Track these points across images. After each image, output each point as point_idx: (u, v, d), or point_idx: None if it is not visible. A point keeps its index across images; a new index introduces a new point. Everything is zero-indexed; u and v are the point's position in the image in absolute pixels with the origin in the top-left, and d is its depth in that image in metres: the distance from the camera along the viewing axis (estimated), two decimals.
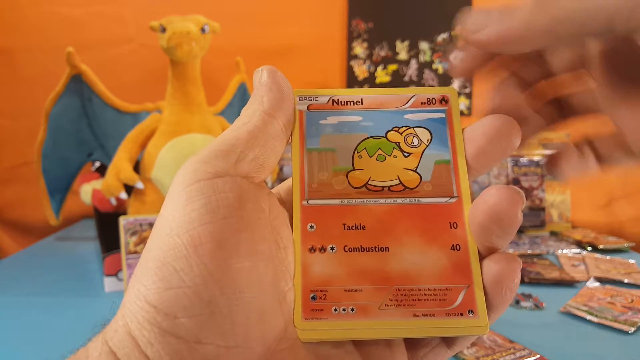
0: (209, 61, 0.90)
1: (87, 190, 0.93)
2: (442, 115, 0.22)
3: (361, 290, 0.20)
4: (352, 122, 0.22)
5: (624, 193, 1.07)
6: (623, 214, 1.07)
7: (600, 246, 0.92)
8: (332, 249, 0.20)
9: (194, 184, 0.19)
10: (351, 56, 1.28)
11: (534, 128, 0.24)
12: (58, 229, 1.07)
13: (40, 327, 0.60)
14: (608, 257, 0.86)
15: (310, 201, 0.21)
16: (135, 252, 0.70)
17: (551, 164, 0.24)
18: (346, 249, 0.20)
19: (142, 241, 0.71)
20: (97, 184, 0.92)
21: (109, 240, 0.76)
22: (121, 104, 0.88)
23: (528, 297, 0.68)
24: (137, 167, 0.82)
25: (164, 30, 0.79)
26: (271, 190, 0.22)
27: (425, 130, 0.22)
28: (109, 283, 0.72)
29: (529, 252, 0.90)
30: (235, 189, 0.19)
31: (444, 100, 0.23)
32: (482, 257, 0.20)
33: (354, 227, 0.21)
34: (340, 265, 0.20)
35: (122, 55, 1.18)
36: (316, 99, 0.23)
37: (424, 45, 1.28)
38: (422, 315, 0.19)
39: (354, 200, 0.21)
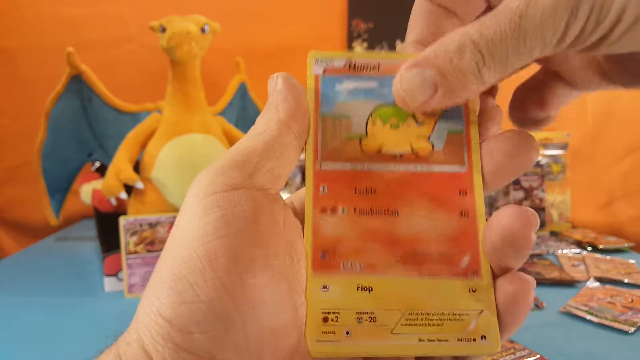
0: (209, 61, 0.90)
1: (87, 190, 0.93)
2: None
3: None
4: (368, 88, 0.22)
5: (624, 193, 1.07)
6: (623, 214, 1.07)
7: (600, 246, 0.92)
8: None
9: (210, 196, 0.19)
10: None
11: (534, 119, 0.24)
12: (58, 229, 1.07)
13: (40, 327, 0.60)
14: (608, 257, 0.86)
15: (323, 165, 0.21)
16: (135, 252, 0.70)
17: (516, 108, 0.23)
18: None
19: (142, 241, 0.71)
20: (97, 184, 0.92)
21: (109, 240, 0.76)
22: (121, 104, 0.88)
23: None
24: (137, 167, 0.82)
25: (164, 30, 0.79)
26: (285, 202, 0.22)
27: None
28: (109, 283, 0.72)
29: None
30: (250, 201, 0.19)
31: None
32: (495, 277, 0.20)
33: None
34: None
35: (122, 55, 1.18)
36: (332, 62, 0.22)
37: None
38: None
39: (367, 166, 0.21)
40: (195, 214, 0.18)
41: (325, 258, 0.20)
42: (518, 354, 0.51)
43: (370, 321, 0.20)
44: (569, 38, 0.17)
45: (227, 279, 0.17)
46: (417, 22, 0.23)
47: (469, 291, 0.20)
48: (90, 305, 0.67)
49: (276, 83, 0.21)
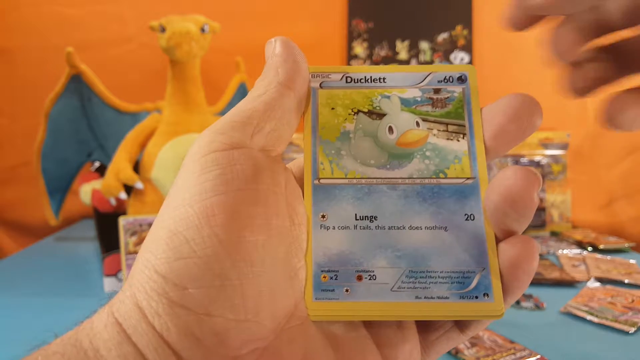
0: (209, 61, 0.90)
1: (86, 191, 0.93)
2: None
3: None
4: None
5: (625, 193, 1.07)
6: (624, 214, 1.07)
7: (601, 246, 0.92)
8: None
9: (210, 154, 0.18)
10: (351, 56, 1.28)
11: (593, 78, 0.22)
12: (58, 229, 1.07)
13: (40, 327, 0.60)
14: (608, 257, 0.86)
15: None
16: (135, 252, 0.70)
17: (615, 110, 0.21)
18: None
19: (142, 241, 0.71)
20: (96, 184, 0.92)
21: (108, 240, 0.76)
22: (121, 104, 0.88)
23: (528, 297, 0.68)
24: (136, 167, 0.82)
25: (163, 30, 0.79)
26: (287, 166, 0.21)
27: None
28: (109, 283, 0.72)
29: None
30: (251, 161, 0.18)
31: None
32: (498, 241, 0.20)
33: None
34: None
35: (122, 55, 1.18)
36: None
37: (424, 45, 1.28)
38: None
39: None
40: (193, 172, 0.18)
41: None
42: (518, 354, 0.51)
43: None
44: None
45: (224, 236, 0.17)
46: None
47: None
48: (90, 306, 0.67)
49: (274, 46, 0.21)
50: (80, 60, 0.83)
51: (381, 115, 0.21)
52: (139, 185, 0.78)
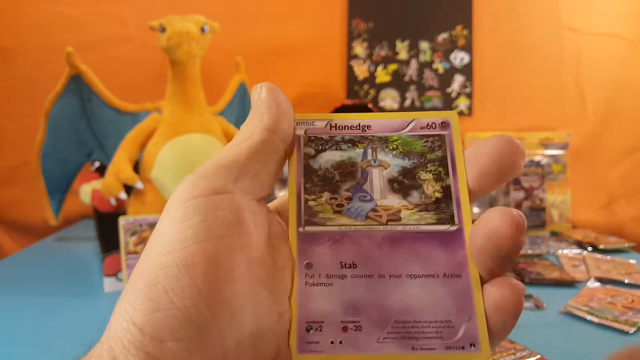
0: (209, 61, 0.90)
1: (86, 191, 0.93)
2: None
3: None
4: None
5: (625, 193, 1.07)
6: (623, 214, 1.07)
7: (601, 246, 0.92)
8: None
9: (191, 200, 0.18)
10: (351, 56, 1.28)
11: None
12: (58, 229, 1.07)
13: (40, 327, 0.60)
14: (608, 257, 0.86)
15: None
16: (135, 252, 0.70)
17: None
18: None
19: (142, 241, 0.71)
20: (96, 184, 0.92)
21: (108, 240, 0.76)
22: (121, 104, 0.88)
23: (528, 297, 0.68)
24: (136, 167, 0.82)
25: (163, 30, 0.79)
26: (270, 208, 0.21)
27: None
28: (109, 283, 0.72)
29: (530, 252, 0.90)
30: (233, 206, 0.18)
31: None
32: (483, 282, 0.19)
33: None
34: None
35: (122, 55, 1.18)
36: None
37: (424, 45, 1.28)
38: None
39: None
40: (175, 219, 0.18)
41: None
42: (518, 354, 0.51)
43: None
44: None
45: (203, 286, 0.17)
46: None
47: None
48: (89, 306, 0.67)
49: (260, 92, 0.21)
50: (80, 60, 0.83)
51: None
52: (139, 185, 0.78)
